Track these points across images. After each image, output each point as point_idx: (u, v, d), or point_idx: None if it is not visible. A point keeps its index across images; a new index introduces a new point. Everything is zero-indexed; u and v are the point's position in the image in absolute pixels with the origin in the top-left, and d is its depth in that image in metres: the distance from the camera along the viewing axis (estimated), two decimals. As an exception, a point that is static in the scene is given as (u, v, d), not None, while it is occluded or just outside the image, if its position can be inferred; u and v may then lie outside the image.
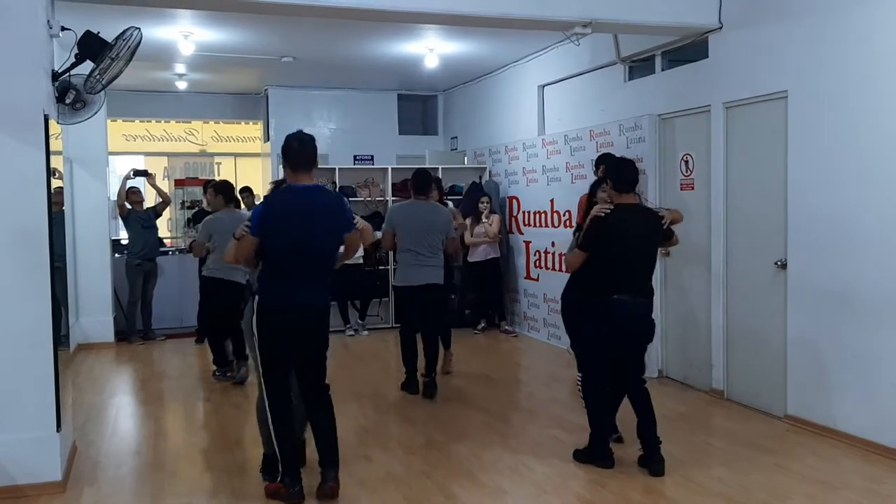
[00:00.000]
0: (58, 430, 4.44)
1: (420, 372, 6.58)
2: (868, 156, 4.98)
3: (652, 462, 4.61)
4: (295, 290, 4.13)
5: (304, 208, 4.15)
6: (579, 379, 5.30)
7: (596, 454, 4.76)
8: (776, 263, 5.75)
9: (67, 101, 5.11)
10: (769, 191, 5.83)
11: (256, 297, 4.17)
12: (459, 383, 7.00)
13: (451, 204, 8.61)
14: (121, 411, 6.45)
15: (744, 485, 4.45)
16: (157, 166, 12.91)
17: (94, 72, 5.08)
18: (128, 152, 12.59)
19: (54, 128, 4.81)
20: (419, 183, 6.69)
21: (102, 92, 5.24)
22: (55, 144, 4.77)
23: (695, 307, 6.71)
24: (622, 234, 4.59)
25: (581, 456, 4.83)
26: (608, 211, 4.61)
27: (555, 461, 4.91)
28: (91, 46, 5.01)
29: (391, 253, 8.73)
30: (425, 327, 6.68)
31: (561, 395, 6.69)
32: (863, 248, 5.04)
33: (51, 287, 4.42)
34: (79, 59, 5.02)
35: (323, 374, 4.34)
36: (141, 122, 12.67)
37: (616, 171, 4.82)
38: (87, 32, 4.99)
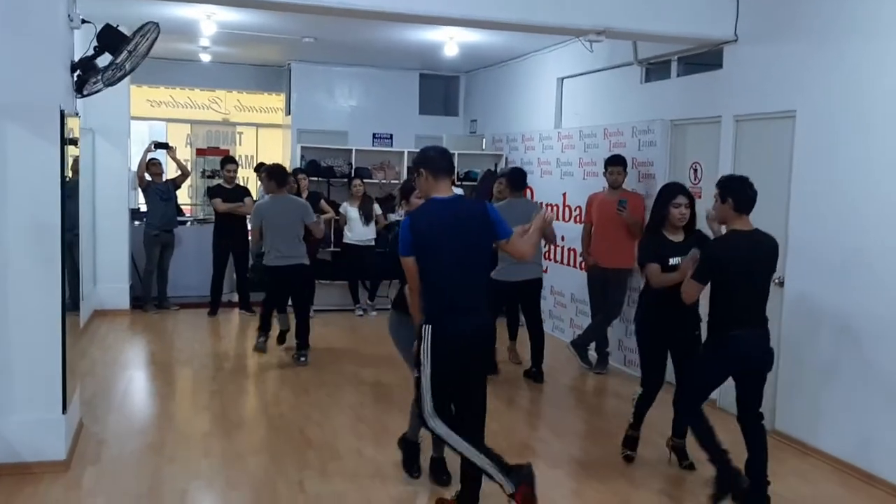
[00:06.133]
0: (63, 413, 4.66)
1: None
2: (873, 182, 5.00)
3: (759, 502, 4.39)
4: (460, 314, 3.95)
5: (451, 220, 3.95)
6: (634, 396, 5.16)
7: (728, 478, 4.37)
8: (774, 280, 5.78)
9: (88, 85, 5.25)
10: (772, 208, 5.83)
11: (428, 326, 3.94)
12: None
13: (460, 190, 8.70)
14: (129, 386, 6.69)
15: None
16: (180, 133, 13.11)
17: (111, 65, 5.21)
18: (152, 118, 12.77)
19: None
20: (515, 180, 7.10)
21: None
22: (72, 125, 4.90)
23: (694, 314, 6.78)
24: (745, 263, 4.30)
25: (721, 486, 4.38)
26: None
27: (541, 466, 5.04)
28: (110, 39, 5.13)
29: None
30: (530, 318, 7.20)
31: (556, 393, 6.84)
32: (862, 271, 5.07)
33: (62, 279, 4.61)
34: (98, 52, 5.15)
35: (484, 401, 4.16)
36: (166, 88, 12.80)
37: (741, 189, 4.37)
38: (107, 26, 5.11)
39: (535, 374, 7.07)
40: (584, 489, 4.73)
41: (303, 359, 7.31)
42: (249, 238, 7.72)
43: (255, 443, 5.30)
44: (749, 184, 4.40)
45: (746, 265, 4.29)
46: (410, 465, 4.75)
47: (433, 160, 4.07)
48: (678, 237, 4.83)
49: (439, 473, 4.66)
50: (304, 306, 7.44)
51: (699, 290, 4.47)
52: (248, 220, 8.29)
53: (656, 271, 4.75)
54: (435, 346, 3.92)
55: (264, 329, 7.48)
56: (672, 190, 4.91)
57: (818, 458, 5.29)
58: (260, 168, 9.90)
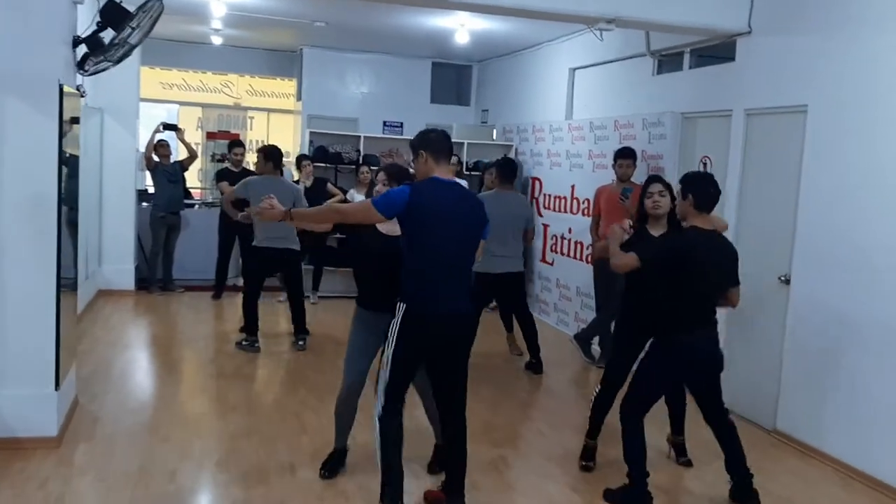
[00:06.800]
0: (56, 389, 4.64)
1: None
2: (885, 180, 4.88)
3: (747, 498, 4.34)
4: (443, 299, 3.81)
5: (454, 204, 3.82)
6: (597, 391, 4.93)
7: (634, 497, 4.28)
8: (780, 278, 5.71)
9: (92, 60, 5.21)
10: (780, 204, 5.76)
11: (403, 304, 3.80)
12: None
13: (465, 183, 8.62)
14: (128, 366, 6.67)
15: (710, 497, 4.50)
16: (191, 117, 13.10)
17: (114, 40, 5.17)
18: (164, 100, 12.76)
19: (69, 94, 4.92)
20: (506, 172, 7.02)
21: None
22: (69, 107, 4.87)
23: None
24: (699, 262, 4.09)
25: (613, 497, 4.35)
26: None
27: (535, 459, 5.00)
28: (113, 15, 5.09)
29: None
30: (518, 312, 7.17)
31: (557, 385, 6.78)
32: (871, 271, 4.96)
33: (57, 255, 4.58)
34: (100, 27, 5.11)
35: (464, 389, 4.07)
36: (178, 71, 12.79)
37: (702, 186, 4.19)
38: (110, 1, 5.07)
39: (534, 366, 7.03)
40: (578, 483, 4.66)
41: (301, 343, 7.26)
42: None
43: (248, 426, 5.26)
44: (712, 181, 4.25)
45: (700, 264, 4.08)
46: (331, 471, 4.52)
47: (434, 142, 3.92)
48: (658, 231, 4.56)
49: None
50: (298, 291, 7.34)
51: (632, 266, 4.19)
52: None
53: (628, 256, 4.30)
54: (406, 324, 3.78)
55: (253, 328, 7.13)
56: (648, 180, 4.74)
57: (820, 460, 5.20)
58: (258, 150, 9.85)
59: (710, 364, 4.31)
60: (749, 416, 5.97)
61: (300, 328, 7.32)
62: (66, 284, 5.05)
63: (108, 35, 5.14)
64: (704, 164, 6.67)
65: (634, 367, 4.62)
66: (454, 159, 9.22)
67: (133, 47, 5.32)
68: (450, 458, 4.09)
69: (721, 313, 6.21)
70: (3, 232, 4.45)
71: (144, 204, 9.79)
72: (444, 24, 8.94)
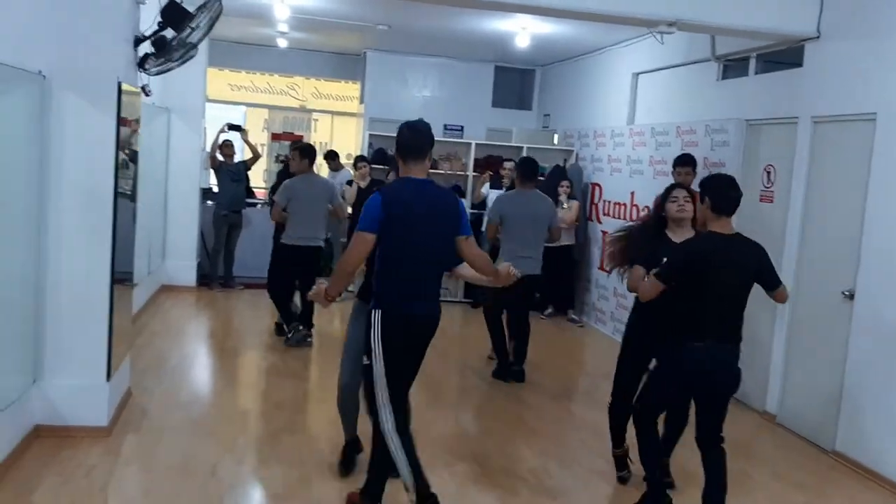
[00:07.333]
0: (107, 380, 4.75)
1: (489, 355, 6.89)
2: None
3: None
4: (418, 299, 3.76)
5: (424, 204, 3.72)
6: (609, 401, 4.82)
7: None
8: (843, 293, 5.46)
9: (153, 59, 5.34)
10: (846, 216, 5.52)
11: (378, 310, 3.73)
12: (509, 370, 7.03)
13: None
14: (182, 361, 6.80)
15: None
16: (257, 118, 13.35)
17: (174, 40, 5.29)
18: (232, 102, 13.03)
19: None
20: (526, 171, 6.78)
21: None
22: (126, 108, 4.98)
23: (757, 323, 6.45)
24: (715, 267, 3.88)
25: None
26: None
27: (578, 469, 4.90)
28: (174, 15, 5.20)
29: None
30: (519, 315, 6.85)
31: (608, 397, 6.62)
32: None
33: (112, 248, 4.69)
34: (161, 27, 5.22)
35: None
36: (247, 73, 13.05)
37: (720, 189, 3.97)
38: (171, 1, 5.19)
39: (516, 374, 6.71)
40: (621, 494, 4.54)
41: (309, 339, 7.34)
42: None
43: (293, 423, 5.30)
44: (732, 184, 4.00)
45: (718, 270, 3.86)
46: (348, 465, 4.51)
47: (403, 142, 3.78)
48: (681, 236, 4.30)
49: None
50: (309, 287, 7.28)
51: (656, 291, 4.01)
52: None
53: (637, 276, 4.26)
54: (386, 331, 3.69)
55: (290, 318, 7.29)
56: (671, 186, 4.56)
57: (878, 483, 4.96)
58: (328, 155, 9.96)
59: (723, 380, 3.99)
60: (808, 436, 5.75)
61: (308, 323, 7.35)
62: (122, 278, 5.19)
63: (170, 35, 5.26)
64: (768, 174, 6.45)
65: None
66: (509, 164, 9.14)
67: (193, 47, 5.42)
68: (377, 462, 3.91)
69: (782, 330, 6.06)
70: (61, 225, 4.58)
71: (209, 202, 10.00)
72: (506, 28, 8.88)
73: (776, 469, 5.17)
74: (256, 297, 9.40)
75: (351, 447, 4.56)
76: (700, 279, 3.87)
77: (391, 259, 3.71)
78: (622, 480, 4.70)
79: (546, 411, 6.07)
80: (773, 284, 4.05)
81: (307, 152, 7.25)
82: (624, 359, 4.71)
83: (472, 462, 4.85)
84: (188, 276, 9.60)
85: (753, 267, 3.96)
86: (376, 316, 3.71)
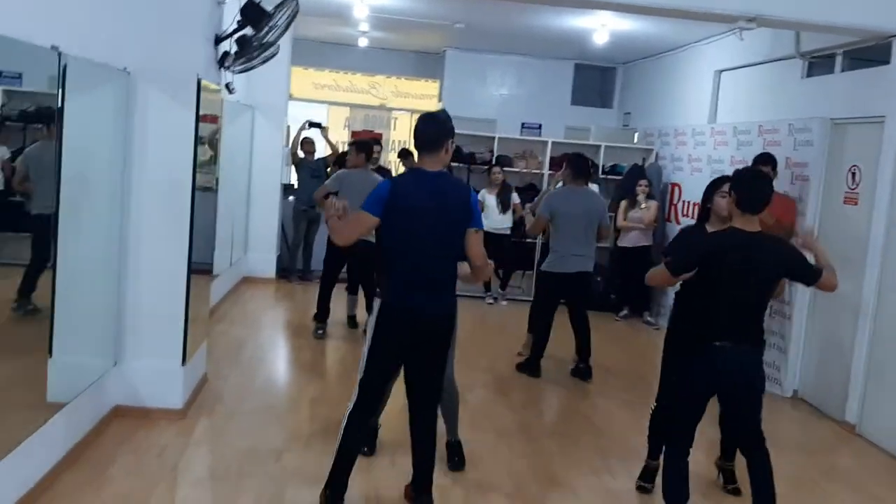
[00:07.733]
0: (183, 364, 4.95)
1: (573, 357, 6.79)
2: None
3: None
4: (421, 291, 3.71)
5: (433, 197, 3.68)
6: (652, 409, 4.59)
7: None
8: None
9: (232, 57, 5.53)
10: (935, 219, 5.27)
11: (380, 300, 3.77)
12: (578, 370, 6.97)
13: (595, 187, 8.40)
14: (258, 350, 7.01)
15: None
16: (339, 116, 13.61)
17: (253, 39, 5.47)
18: (315, 100, 13.31)
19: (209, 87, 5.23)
20: (578, 168, 6.69)
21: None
22: (205, 103, 5.17)
23: (839, 329, 6.23)
24: (730, 266, 3.68)
25: None
26: None
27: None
28: (252, 14, 5.39)
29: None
30: (577, 312, 6.80)
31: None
32: None
33: (189, 237, 4.89)
34: (240, 26, 5.41)
35: (438, 389, 3.98)
36: (330, 72, 13.32)
37: (747, 185, 3.76)
38: (249, 1, 5.36)
39: (582, 371, 6.70)
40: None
41: (321, 331, 7.42)
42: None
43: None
44: (760, 181, 3.79)
45: (738, 269, 3.65)
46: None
47: (418, 134, 3.75)
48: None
49: (452, 456, 4.60)
50: (369, 286, 7.30)
51: (667, 281, 3.93)
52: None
53: (658, 271, 3.96)
54: (381, 320, 3.74)
55: (322, 316, 7.48)
56: (719, 180, 4.43)
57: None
58: (401, 153, 10.07)
59: (740, 382, 3.77)
60: (889, 448, 5.51)
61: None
62: (201, 269, 5.39)
63: (249, 34, 5.44)
64: (853, 175, 6.21)
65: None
66: (496, 169, 9.17)
67: (271, 45, 5.59)
68: (418, 457, 3.94)
69: (864, 336, 5.82)
70: (142, 215, 4.80)
71: (289, 198, 10.26)
72: (585, 25, 8.81)
73: (851, 484, 4.97)
74: (334, 292, 9.55)
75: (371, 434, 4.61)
76: (714, 276, 3.71)
77: (394, 250, 3.71)
78: (642, 490, 4.49)
79: (611, 413, 5.99)
80: (811, 277, 3.82)
81: (363, 147, 7.29)
82: (664, 368, 4.53)
83: (535, 457, 4.85)
84: (268, 268, 9.88)
85: (778, 267, 3.77)
86: (376, 304, 3.80)
